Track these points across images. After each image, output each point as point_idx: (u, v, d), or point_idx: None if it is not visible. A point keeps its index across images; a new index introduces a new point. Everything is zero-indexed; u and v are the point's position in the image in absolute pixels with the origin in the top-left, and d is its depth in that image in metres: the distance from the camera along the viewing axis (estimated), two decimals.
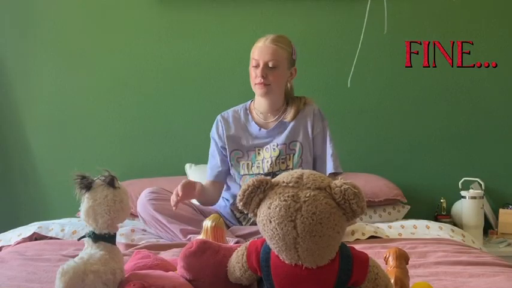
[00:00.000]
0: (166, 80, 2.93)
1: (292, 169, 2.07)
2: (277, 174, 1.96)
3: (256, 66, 2.09)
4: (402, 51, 2.93)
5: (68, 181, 1.14)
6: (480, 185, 2.75)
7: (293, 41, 2.27)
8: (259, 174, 2.09)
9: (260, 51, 2.09)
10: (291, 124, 2.14)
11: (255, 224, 1.13)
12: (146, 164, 2.90)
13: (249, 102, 2.25)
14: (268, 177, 1.06)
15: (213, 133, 2.22)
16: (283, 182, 1.03)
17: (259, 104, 2.18)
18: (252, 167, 2.12)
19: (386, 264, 1.23)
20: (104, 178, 1.13)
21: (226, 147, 2.17)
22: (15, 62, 2.90)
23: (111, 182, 1.12)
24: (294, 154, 2.11)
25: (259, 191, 1.03)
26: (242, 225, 2.14)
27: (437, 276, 1.45)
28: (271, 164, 2.10)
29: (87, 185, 1.12)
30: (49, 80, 2.91)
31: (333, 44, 2.94)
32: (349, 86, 2.79)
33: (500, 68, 2.94)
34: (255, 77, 2.10)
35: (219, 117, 2.24)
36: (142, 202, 2.03)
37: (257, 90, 2.11)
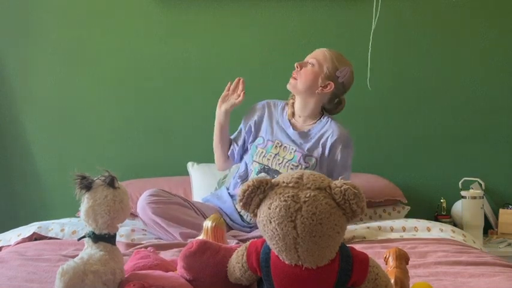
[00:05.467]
0: (167, 80, 2.93)
1: None
2: None
3: None
4: (402, 51, 2.94)
5: (68, 181, 1.14)
6: (480, 185, 2.75)
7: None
8: (266, 166, 2.15)
9: (312, 53, 2.20)
10: (315, 138, 2.17)
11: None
12: (146, 164, 2.90)
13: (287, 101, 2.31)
14: (268, 178, 1.06)
15: (248, 111, 2.30)
16: (283, 182, 1.03)
17: (296, 102, 2.25)
18: (264, 156, 2.17)
19: (386, 264, 1.23)
20: (103, 178, 1.12)
21: (253, 131, 2.24)
22: (15, 61, 2.90)
23: (111, 182, 1.12)
24: (306, 167, 2.11)
25: (259, 191, 1.03)
26: (243, 220, 2.15)
27: (437, 276, 1.45)
28: (281, 163, 2.13)
29: (87, 185, 1.11)
30: (49, 80, 2.91)
31: (333, 44, 2.93)
32: (369, 88, 2.80)
33: (501, 68, 2.94)
34: None
35: (265, 101, 2.32)
36: (141, 205, 2.01)
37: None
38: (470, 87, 2.95)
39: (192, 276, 1.13)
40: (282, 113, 2.27)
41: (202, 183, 2.60)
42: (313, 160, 2.14)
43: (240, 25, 2.94)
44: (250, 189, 1.04)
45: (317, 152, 2.15)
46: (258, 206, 1.04)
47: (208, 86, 2.91)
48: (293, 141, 2.18)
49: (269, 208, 1.00)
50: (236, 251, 1.13)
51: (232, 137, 2.32)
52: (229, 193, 2.24)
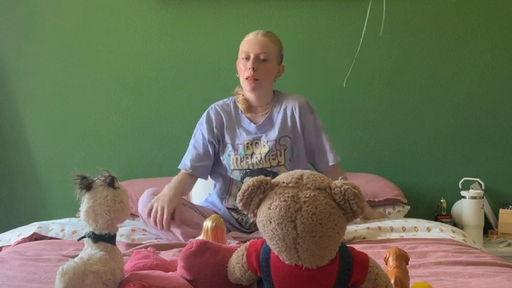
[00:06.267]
0: (166, 80, 2.93)
1: (284, 165, 2.08)
2: (270, 171, 2.06)
3: (247, 59, 2.07)
4: (402, 51, 2.94)
5: (68, 181, 1.14)
6: (480, 185, 2.75)
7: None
8: (248, 169, 2.09)
9: (251, 43, 2.09)
10: (279, 119, 2.13)
11: (256, 226, 1.13)
12: (146, 164, 2.90)
13: (235, 96, 2.22)
14: (268, 178, 1.05)
15: (205, 123, 2.17)
16: (283, 182, 1.03)
17: (248, 98, 2.16)
18: (241, 161, 2.10)
19: (386, 264, 1.23)
20: (104, 178, 1.13)
21: (220, 139, 2.15)
22: (15, 62, 2.90)
23: (111, 182, 1.12)
24: (285, 150, 2.09)
25: (259, 191, 1.03)
26: (242, 226, 2.14)
27: (438, 276, 1.45)
28: (260, 160, 2.08)
29: (87, 185, 1.12)
30: (49, 80, 2.91)
31: (333, 44, 2.94)
32: (344, 86, 2.80)
33: (501, 68, 2.94)
34: (244, 70, 2.07)
35: (215, 106, 2.20)
36: (143, 203, 2.01)
37: (246, 85, 2.09)
38: (471, 87, 2.95)
39: (192, 276, 1.13)
40: (236, 111, 2.18)
41: (201, 183, 2.59)
42: (288, 140, 2.11)
43: (240, 25, 2.94)
44: (250, 189, 1.03)
45: (289, 130, 2.11)
46: (258, 206, 1.04)
47: (208, 86, 2.91)
48: (259, 134, 2.12)
49: (269, 208, 1.00)
50: (236, 251, 1.13)
51: (191, 163, 2.14)
52: (227, 208, 2.18)
